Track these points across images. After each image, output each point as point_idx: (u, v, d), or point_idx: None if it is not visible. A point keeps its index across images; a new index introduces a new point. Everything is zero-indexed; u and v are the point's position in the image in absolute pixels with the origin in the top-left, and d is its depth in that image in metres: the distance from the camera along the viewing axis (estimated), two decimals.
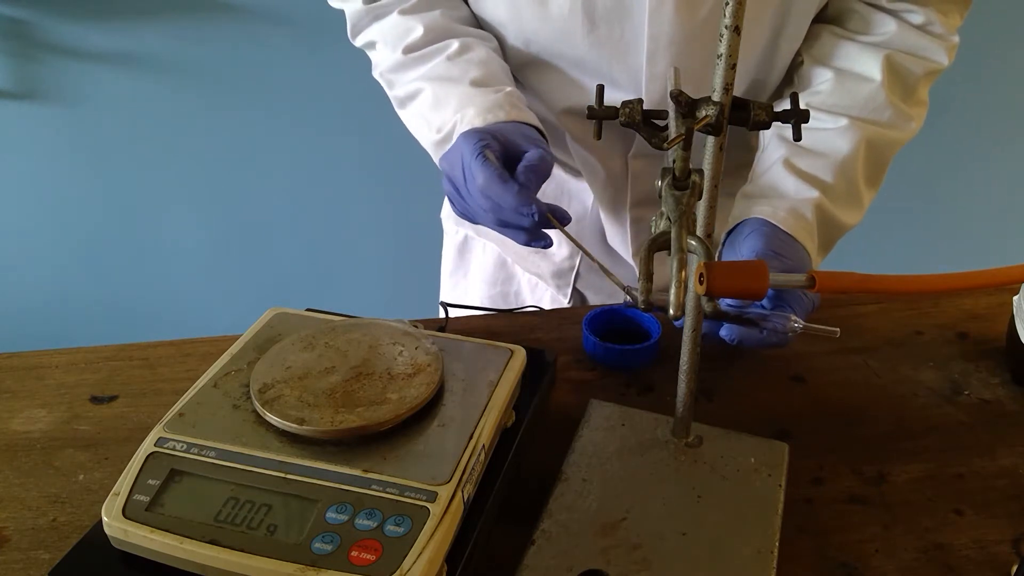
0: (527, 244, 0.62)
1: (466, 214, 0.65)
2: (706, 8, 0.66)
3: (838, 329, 0.60)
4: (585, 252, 0.61)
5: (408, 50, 0.74)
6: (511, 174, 0.60)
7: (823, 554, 0.51)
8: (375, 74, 0.79)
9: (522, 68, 0.77)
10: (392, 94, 0.78)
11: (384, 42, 0.77)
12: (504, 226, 0.62)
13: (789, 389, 0.66)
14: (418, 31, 0.73)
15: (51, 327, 1.84)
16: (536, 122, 0.68)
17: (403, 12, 0.75)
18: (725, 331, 0.61)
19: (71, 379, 0.66)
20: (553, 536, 0.49)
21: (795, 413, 0.63)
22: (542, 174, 0.61)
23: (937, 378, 0.67)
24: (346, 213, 1.77)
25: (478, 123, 0.66)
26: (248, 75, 1.57)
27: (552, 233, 0.62)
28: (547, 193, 0.89)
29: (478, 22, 0.79)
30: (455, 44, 0.73)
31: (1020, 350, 0.65)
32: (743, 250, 0.65)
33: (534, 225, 0.59)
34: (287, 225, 1.78)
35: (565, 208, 0.89)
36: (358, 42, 0.81)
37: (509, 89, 0.70)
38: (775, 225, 0.66)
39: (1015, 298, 0.66)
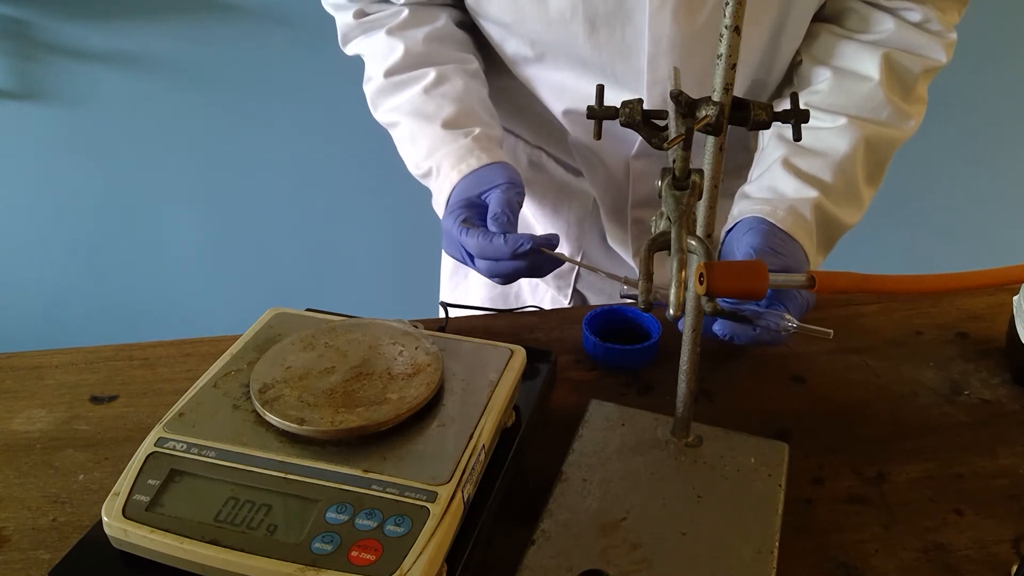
0: (543, 276, 0.67)
1: (491, 275, 0.67)
2: (706, 11, 0.66)
3: (831, 331, 0.60)
4: (578, 263, 0.62)
5: (388, 73, 0.76)
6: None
7: (823, 554, 0.51)
8: (364, 88, 0.80)
9: (524, 68, 0.77)
10: (376, 117, 0.80)
11: (371, 57, 0.79)
12: (516, 273, 0.65)
13: (789, 389, 0.66)
14: (398, 53, 0.75)
15: (51, 327, 1.84)
16: (505, 158, 0.71)
17: (389, 31, 0.76)
18: (718, 326, 0.62)
19: (71, 379, 0.66)
20: (553, 536, 0.49)
21: (795, 413, 0.63)
22: (512, 211, 0.64)
23: (937, 378, 0.67)
24: (346, 213, 1.77)
25: (454, 177, 0.69)
26: (248, 75, 1.57)
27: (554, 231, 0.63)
28: (548, 197, 0.90)
29: (469, 34, 0.80)
30: (432, 74, 0.74)
31: (1020, 350, 0.65)
32: (740, 247, 0.65)
33: (533, 256, 0.62)
34: (287, 225, 1.78)
35: (565, 207, 0.90)
36: (348, 51, 0.83)
37: (478, 131, 0.72)
38: (773, 223, 0.66)
39: (1015, 298, 0.66)
